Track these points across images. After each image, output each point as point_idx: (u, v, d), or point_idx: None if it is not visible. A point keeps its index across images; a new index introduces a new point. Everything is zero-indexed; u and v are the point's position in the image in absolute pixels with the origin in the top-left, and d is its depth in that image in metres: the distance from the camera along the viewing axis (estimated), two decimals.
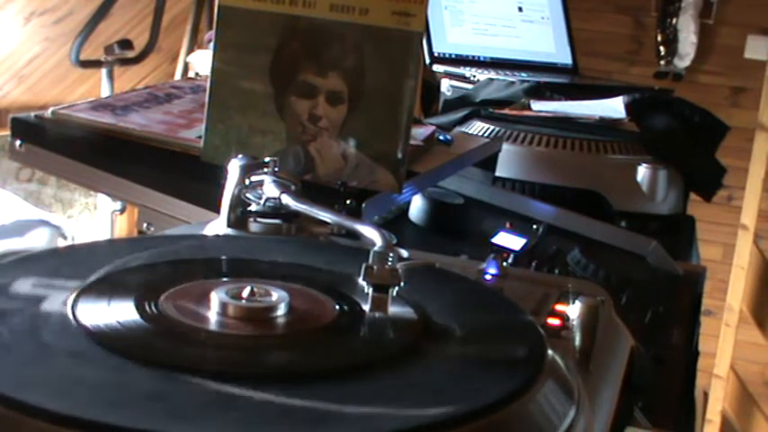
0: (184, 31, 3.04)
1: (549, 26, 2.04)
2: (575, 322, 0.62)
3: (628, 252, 1.21)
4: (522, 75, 1.83)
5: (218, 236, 0.78)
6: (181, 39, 3.09)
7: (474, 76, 1.77)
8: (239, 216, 0.80)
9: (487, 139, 1.40)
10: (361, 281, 0.57)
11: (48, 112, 1.04)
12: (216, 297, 0.56)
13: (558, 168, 1.44)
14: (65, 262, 0.64)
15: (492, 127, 1.45)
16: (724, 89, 3.23)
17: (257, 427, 0.44)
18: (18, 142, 1.05)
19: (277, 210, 0.79)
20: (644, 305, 1.02)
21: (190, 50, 2.92)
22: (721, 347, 3.17)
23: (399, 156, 0.95)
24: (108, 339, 0.51)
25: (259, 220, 0.79)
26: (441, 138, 1.21)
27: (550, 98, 1.68)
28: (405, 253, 0.63)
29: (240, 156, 0.81)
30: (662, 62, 3.20)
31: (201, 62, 2.23)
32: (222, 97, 0.97)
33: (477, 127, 1.45)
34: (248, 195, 0.79)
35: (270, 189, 0.78)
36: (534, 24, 2.02)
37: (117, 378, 0.47)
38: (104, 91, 2.82)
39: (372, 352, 0.54)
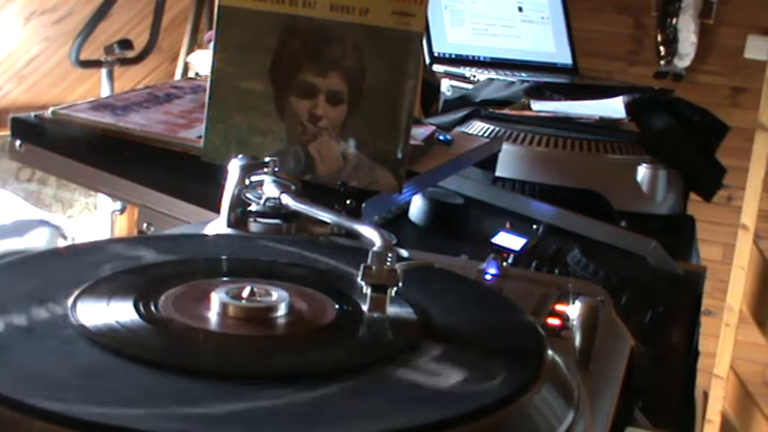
0: (184, 31, 3.04)
1: (549, 26, 2.04)
2: (575, 322, 0.62)
3: (628, 252, 1.21)
4: (522, 75, 1.83)
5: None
6: (181, 39, 3.08)
7: (474, 76, 1.77)
8: (239, 216, 0.80)
9: (487, 139, 1.40)
10: (359, 281, 0.57)
11: (48, 112, 1.04)
12: (216, 297, 0.56)
13: (558, 168, 1.44)
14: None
15: (492, 127, 1.45)
16: (724, 89, 3.22)
17: (257, 426, 0.44)
18: (18, 142, 1.05)
19: (277, 210, 0.79)
20: (644, 305, 1.02)
21: (190, 50, 2.92)
22: (721, 347, 3.17)
23: (399, 156, 0.95)
24: (107, 339, 0.51)
25: (259, 220, 0.79)
26: (441, 138, 1.21)
27: (550, 98, 1.68)
28: (405, 253, 0.63)
29: (240, 156, 0.81)
30: (662, 62, 3.20)
31: (201, 62, 2.23)
32: (222, 97, 0.97)
33: (477, 127, 1.45)
34: (248, 195, 0.79)
35: (270, 189, 0.78)
36: (534, 24, 2.02)
37: (115, 378, 0.47)
38: (104, 91, 2.82)
39: (371, 352, 0.54)
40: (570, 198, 1.37)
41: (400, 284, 0.57)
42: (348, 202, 0.91)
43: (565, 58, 2.04)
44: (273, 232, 0.79)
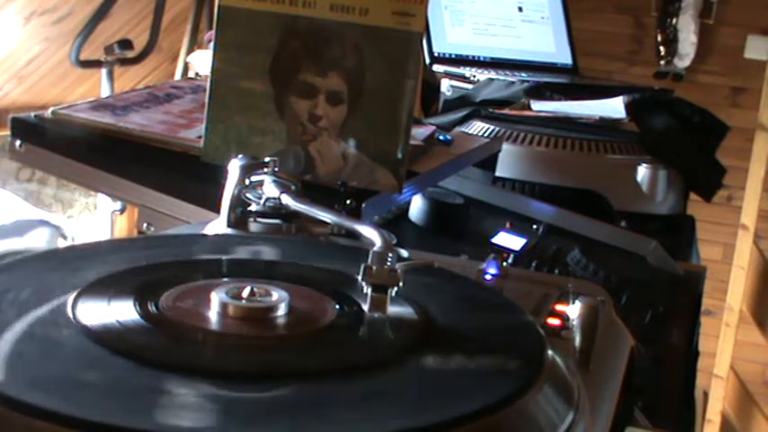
0: (184, 31, 3.04)
1: (549, 26, 2.04)
2: (575, 322, 0.62)
3: (628, 252, 1.21)
4: (522, 75, 1.83)
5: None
6: (181, 39, 3.08)
7: (474, 76, 1.77)
8: (239, 216, 0.80)
9: (487, 139, 1.40)
10: (360, 281, 0.57)
11: (48, 112, 1.04)
12: (216, 297, 0.56)
13: (558, 168, 1.44)
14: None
15: (492, 127, 1.45)
16: (724, 89, 3.23)
17: (257, 426, 0.44)
18: (18, 142, 1.05)
19: (277, 210, 0.79)
20: (644, 305, 1.02)
21: (190, 50, 2.92)
22: (721, 347, 3.17)
23: (399, 156, 0.95)
24: (107, 339, 0.51)
25: (259, 220, 0.79)
26: (441, 138, 1.21)
27: (550, 98, 1.68)
28: (405, 253, 0.63)
29: (240, 156, 0.81)
30: (662, 62, 3.20)
31: (201, 62, 2.23)
32: (222, 97, 0.97)
33: (477, 127, 1.45)
34: (248, 195, 0.79)
35: (270, 189, 0.78)
36: (534, 24, 2.02)
37: (116, 378, 0.47)
38: (104, 91, 2.82)
39: (372, 352, 0.54)
40: (570, 198, 1.37)
41: (401, 284, 0.57)
42: (348, 202, 0.91)
43: (565, 58, 2.04)
44: (273, 232, 0.79)
